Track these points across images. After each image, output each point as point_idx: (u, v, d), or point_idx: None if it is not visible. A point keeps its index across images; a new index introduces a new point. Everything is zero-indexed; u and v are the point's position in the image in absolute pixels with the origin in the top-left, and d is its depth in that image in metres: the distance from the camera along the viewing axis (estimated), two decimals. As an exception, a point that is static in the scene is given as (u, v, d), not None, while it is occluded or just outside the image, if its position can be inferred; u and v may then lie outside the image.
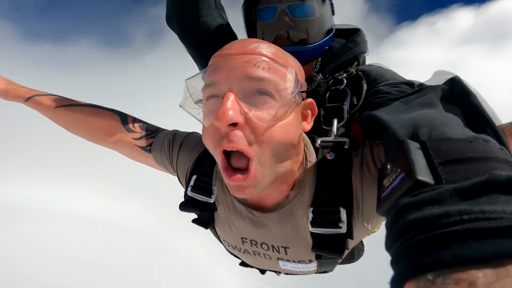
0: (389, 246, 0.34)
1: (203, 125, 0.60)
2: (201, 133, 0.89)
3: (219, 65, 0.56)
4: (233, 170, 0.56)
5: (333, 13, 0.93)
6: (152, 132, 0.91)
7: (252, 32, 0.93)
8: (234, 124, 0.52)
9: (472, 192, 0.30)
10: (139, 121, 0.94)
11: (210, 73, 0.57)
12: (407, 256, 0.29)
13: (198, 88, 0.60)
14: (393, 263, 0.32)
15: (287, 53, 0.64)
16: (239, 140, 0.53)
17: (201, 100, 0.61)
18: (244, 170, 0.55)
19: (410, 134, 0.48)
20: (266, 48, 0.59)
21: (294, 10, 0.84)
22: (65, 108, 0.92)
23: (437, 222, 0.28)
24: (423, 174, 0.35)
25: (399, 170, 0.39)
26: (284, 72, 0.56)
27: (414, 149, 0.40)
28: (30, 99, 0.94)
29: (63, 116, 0.93)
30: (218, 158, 0.57)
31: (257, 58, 0.56)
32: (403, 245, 0.30)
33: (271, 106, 0.55)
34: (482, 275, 0.24)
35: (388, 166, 0.44)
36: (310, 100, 0.67)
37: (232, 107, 0.52)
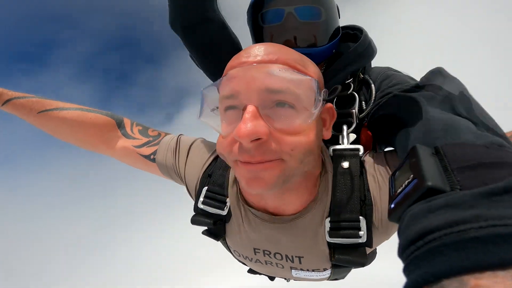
0: (402, 252, 0.33)
1: (220, 135, 0.58)
2: (206, 139, 0.88)
3: (236, 75, 0.53)
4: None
5: (339, 16, 0.92)
6: (154, 138, 0.86)
7: (258, 36, 0.92)
8: (257, 139, 0.50)
9: (490, 197, 0.29)
10: (138, 124, 0.88)
11: (227, 83, 0.54)
12: (422, 262, 0.29)
13: (214, 95, 0.58)
14: (406, 270, 0.31)
15: (306, 57, 0.61)
16: (266, 154, 0.51)
17: (217, 107, 0.58)
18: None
19: (424, 139, 0.47)
20: (286, 55, 0.56)
21: (301, 12, 0.82)
22: (50, 112, 0.83)
23: (454, 228, 0.28)
24: (437, 180, 0.34)
25: (411, 176, 0.39)
26: (306, 82, 0.54)
27: (428, 154, 0.40)
28: (8, 102, 0.82)
29: (49, 121, 0.83)
30: (238, 165, 0.54)
31: (277, 68, 0.53)
32: (418, 251, 0.30)
33: (293, 117, 0.53)
34: (499, 281, 0.24)
35: (401, 172, 0.43)
36: (329, 105, 0.64)
37: (254, 121, 0.49)
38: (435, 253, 0.28)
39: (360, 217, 0.62)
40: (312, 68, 0.61)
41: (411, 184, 0.38)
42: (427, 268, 0.28)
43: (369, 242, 0.63)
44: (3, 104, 0.82)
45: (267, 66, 0.53)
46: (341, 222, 0.63)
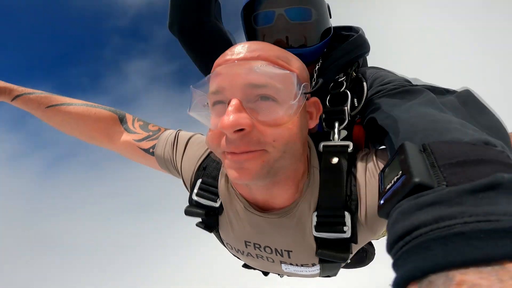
0: (390, 248, 0.33)
1: (210, 129, 0.61)
2: (205, 135, 0.89)
3: (221, 72, 0.57)
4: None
5: (330, 16, 0.93)
6: (154, 132, 0.90)
7: (252, 37, 0.94)
8: (241, 130, 0.53)
9: (475, 193, 0.29)
10: (139, 120, 0.92)
11: (213, 80, 0.58)
12: (409, 258, 0.29)
13: (205, 92, 0.61)
14: (395, 265, 0.32)
15: (290, 53, 0.64)
16: (249, 144, 0.53)
17: (207, 103, 0.61)
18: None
19: (412, 137, 0.48)
20: (267, 51, 0.59)
21: (292, 13, 0.84)
22: (57, 107, 0.88)
23: (439, 224, 0.28)
24: (424, 176, 0.35)
25: (400, 172, 0.39)
26: (286, 76, 0.56)
27: (416, 151, 0.40)
28: (18, 98, 0.88)
29: (55, 116, 0.89)
30: (225, 156, 0.57)
31: (258, 64, 0.56)
32: (405, 247, 0.30)
33: (275, 110, 0.55)
34: (484, 277, 0.24)
35: (390, 169, 0.44)
36: (314, 99, 0.67)
37: (237, 113, 0.52)
38: (422, 248, 0.28)
39: (346, 212, 0.63)
40: (296, 63, 0.63)
41: (400, 180, 0.38)
42: (414, 263, 0.28)
43: (354, 238, 0.64)
44: (13, 99, 0.88)
45: (249, 63, 0.57)
46: (327, 217, 0.64)
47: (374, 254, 1.18)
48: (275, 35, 0.86)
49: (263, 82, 0.54)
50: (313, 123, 0.66)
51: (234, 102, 0.53)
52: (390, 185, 0.41)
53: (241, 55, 0.58)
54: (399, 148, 0.43)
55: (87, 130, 0.89)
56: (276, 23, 0.85)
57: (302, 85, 0.59)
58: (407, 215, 0.32)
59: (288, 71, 0.57)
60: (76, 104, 0.89)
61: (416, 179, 0.35)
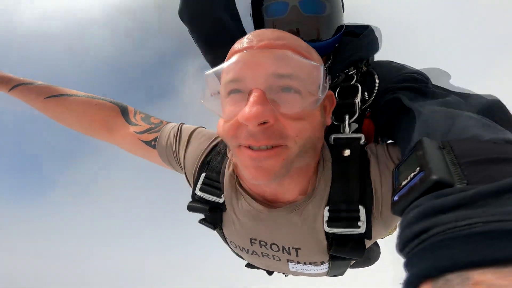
0: (403, 246, 0.32)
1: (221, 119, 0.58)
2: (207, 128, 0.88)
3: (242, 59, 0.53)
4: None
5: (343, 10, 0.92)
6: (156, 125, 0.87)
7: (261, 28, 0.92)
8: (264, 123, 0.50)
9: (496, 194, 0.28)
10: (141, 112, 0.90)
11: (232, 68, 0.54)
12: (425, 255, 0.28)
13: (215, 79, 0.58)
14: (408, 263, 0.30)
15: (309, 45, 0.62)
16: (270, 137, 0.51)
17: (218, 92, 0.59)
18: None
19: (430, 133, 0.47)
20: (291, 41, 0.57)
21: (306, 6, 0.82)
22: (57, 98, 0.85)
23: (460, 222, 0.27)
24: (444, 173, 0.34)
25: (418, 168, 0.38)
26: (312, 68, 0.54)
27: (435, 148, 0.39)
28: (15, 88, 0.85)
29: (55, 107, 0.86)
30: (241, 151, 0.54)
31: (284, 53, 0.53)
32: (421, 245, 0.29)
33: (299, 103, 0.53)
34: (502, 278, 0.23)
35: (406, 165, 0.42)
36: (330, 92, 0.65)
37: (261, 105, 0.49)
38: (440, 246, 0.27)
39: (360, 207, 0.61)
40: (316, 56, 0.61)
41: (417, 176, 0.37)
42: (431, 261, 0.27)
43: (368, 233, 0.61)
44: (10, 90, 0.85)
45: (274, 51, 0.53)
46: (340, 211, 0.62)
47: (380, 253, 1.17)
48: (287, 27, 0.83)
49: (288, 72, 0.52)
50: (327, 119, 0.64)
51: (257, 92, 0.50)
52: (406, 181, 0.39)
53: (265, 42, 0.55)
54: (417, 144, 0.42)
55: (88, 122, 0.87)
56: (289, 15, 0.83)
57: (327, 78, 0.57)
58: (425, 214, 0.31)
59: (316, 63, 0.55)
60: (76, 95, 0.87)
61: (436, 176, 0.33)
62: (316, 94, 0.54)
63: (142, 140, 0.85)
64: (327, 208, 0.63)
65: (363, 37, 0.86)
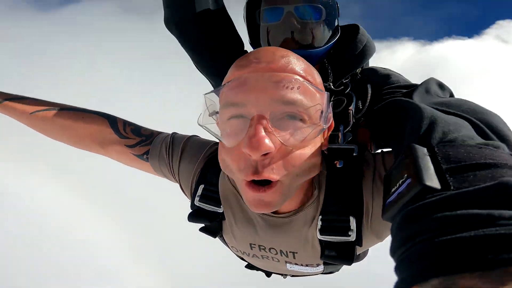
0: (393, 251, 0.33)
1: (222, 144, 0.57)
2: (200, 136, 0.87)
3: (246, 82, 0.51)
4: (255, 185, 0.53)
5: (338, 15, 0.91)
6: (146, 137, 0.85)
7: (255, 34, 0.91)
8: (266, 153, 0.49)
9: (481, 198, 0.29)
10: (130, 124, 0.88)
11: (234, 90, 0.52)
12: (413, 261, 0.29)
13: (215, 101, 0.57)
14: (398, 269, 0.31)
15: (311, 66, 0.60)
16: (269, 171, 0.50)
17: (216, 112, 0.58)
18: (267, 185, 0.53)
19: (419, 139, 0.48)
20: (297, 65, 0.55)
21: (301, 12, 0.81)
22: (43, 113, 0.83)
23: (444, 228, 0.28)
24: (431, 179, 0.35)
25: (406, 175, 0.39)
26: (319, 96, 0.53)
27: (422, 154, 0.40)
28: (1, 104, 0.84)
29: (42, 122, 0.84)
30: (242, 183, 0.54)
31: (289, 78, 0.51)
32: (409, 251, 0.30)
33: (301, 131, 0.52)
34: (489, 282, 0.24)
35: (395, 171, 0.43)
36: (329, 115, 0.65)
37: (266, 134, 0.48)
38: (426, 253, 0.28)
39: (351, 217, 0.62)
40: (318, 79, 0.60)
41: (405, 183, 0.38)
42: (417, 268, 0.28)
43: (358, 241, 0.63)
44: None
45: (280, 76, 0.51)
46: (332, 221, 0.64)
47: (367, 251, 1.18)
48: (282, 33, 0.82)
49: (294, 99, 0.50)
50: (326, 143, 0.63)
51: (262, 121, 0.49)
52: (395, 188, 0.40)
53: (270, 65, 0.53)
54: (405, 150, 0.43)
55: (76, 136, 0.85)
56: (284, 20, 0.81)
57: (331, 103, 0.56)
58: (411, 219, 0.32)
59: (323, 91, 0.54)
60: (63, 109, 0.85)
61: (422, 182, 0.34)
62: (319, 123, 0.53)
63: (134, 154, 0.84)
64: (320, 217, 0.65)
65: (358, 42, 0.86)
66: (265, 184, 0.52)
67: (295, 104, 0.51)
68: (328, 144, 0.64)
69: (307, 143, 0.53)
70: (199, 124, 0.58)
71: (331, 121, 0.54)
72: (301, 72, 0.54)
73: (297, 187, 0.58)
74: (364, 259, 0.93)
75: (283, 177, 0.52)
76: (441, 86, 0.66)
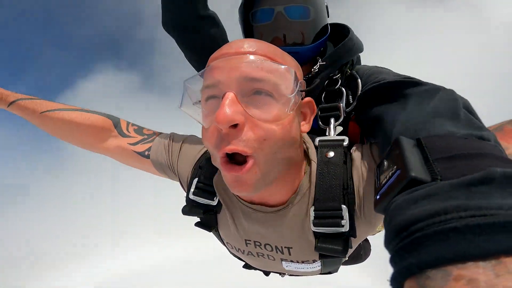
0: (388, 243, 0.34)
1: (203, 127, 0.60)
2: (200, 136, 0.90)
3: (217, 66, 0.56)
4: (231, 164, 0.55)
5: (328, 15, 0.95)
6: (148, 136, 0.90)
7: (249, 35, 0.95)
8: (235, 125, 0.52)
9: (468, 188, 0.30)
10: (133, 124, 0.92)
11: (208, 74, 0.57)
12: (406, 253, 0.29)
13: (197, 89, 0.60)
14: (393, 261, 0.32)
15: (285, 52, 0.64)
16: (239, 142, 0.53)
17: (199, 101, 0.60)
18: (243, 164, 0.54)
19: (406, 131, 0.49)
20: (264, 48, 0.59)
21: (291, 11, 0.85)
22: (51, 113, 0.88)
23: (435, 219, 0.28)
24: (419, 171, 0.36)
25: (395, 167, 0.40)
26: (283, 71, 0.56)
27: (410, 146, 0.41)
28: (13, 103, 0.88)
29: (50, 121, 0.89)
30: (218, 159, 0.57)
31: (256, 58, 0.56)
32: (402, 243, 0.30)
33: (271, 106, 0.55)
34: (481, 272, 0.24)
35: (385, 163, 0.44)
36: (309, 99, 0.67)
37: (232, 107, 0.51)
38: (418, 244, 0.28)
39: (343, 206, 0.63)
40: (291, 62, 0.63)
41: (394, 175, 0.39)
42: (412, 259, 0.28)
43: (352, 231, 0.64)
44: (9, 105, 0.88)
45: (247, 57, 0.56)
46: (325, 211, 0.64)
47: (370, 250, 1.19)
48: (273, 32, 0.86)
49: (260, 76, 0.54)
50: (307, 126, 0.65)
51: (229, 95, 0.52)
52: (385, 180, 0.41)
53: (239, 49, 0.58)
54: (393, 143, 0.44)
55: (81, 136, 0.89)
56: (274, 20, 0.86)
57: (299, 82, 0.59)
58: (402, 210, 0.33)
59: (286, 66, 0.57)
60: (69, 110, 0.89)
61: (411, 174, 0.35)
62: (288, 97, 0.55)
63: (135, 151, 0.87)
64: (313, 208, 0.65)
65: (348, 40, 0.88)
66: (241, 164, 0.54)
67: (262, 80, 0.54)
68: (309, 128, 0.66)
69: (278, 118, 0.55)
70: (180, 108, 0.61)
71: (295, 94, 0.56)
72: (268, 53, 0.58)
73: (278, 169, 0.58)
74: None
75: (257, 152, 0.53)
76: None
